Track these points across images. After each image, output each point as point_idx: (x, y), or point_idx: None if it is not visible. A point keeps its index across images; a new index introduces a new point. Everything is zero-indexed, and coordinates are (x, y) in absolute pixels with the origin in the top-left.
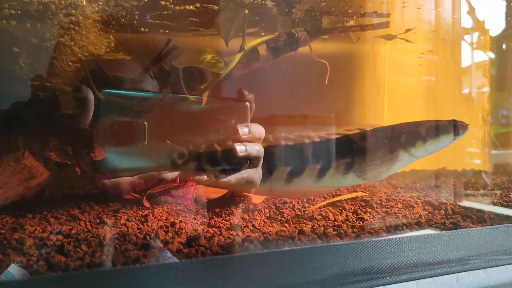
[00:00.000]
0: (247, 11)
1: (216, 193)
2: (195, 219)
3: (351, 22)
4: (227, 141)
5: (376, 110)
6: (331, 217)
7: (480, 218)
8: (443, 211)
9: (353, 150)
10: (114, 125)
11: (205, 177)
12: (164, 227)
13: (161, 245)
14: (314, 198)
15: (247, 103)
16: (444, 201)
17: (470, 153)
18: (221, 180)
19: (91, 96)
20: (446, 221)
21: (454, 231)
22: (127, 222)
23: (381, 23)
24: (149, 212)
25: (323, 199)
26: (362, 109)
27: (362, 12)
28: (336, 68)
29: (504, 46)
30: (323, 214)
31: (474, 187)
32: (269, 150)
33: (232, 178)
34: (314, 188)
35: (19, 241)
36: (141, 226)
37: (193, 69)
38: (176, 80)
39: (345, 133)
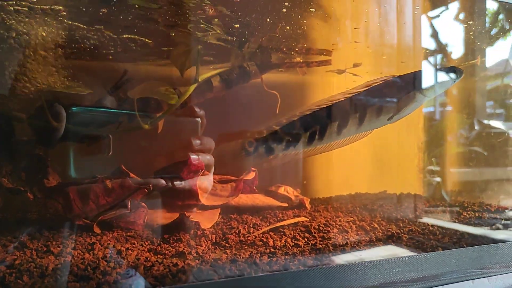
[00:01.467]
0: (200, 47)
1: (167, 218)
2: (142, 245)
3: (298, 59)
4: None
5: None
6: (271, 242)
7: (398, 242)
8: (373, 236)
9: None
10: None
11: (163, 182)
12: (107, 256)
13: (100, 276)
14: (259, 223)
15: (199, 119)
16: (376, 225)
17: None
18: (177, 186)
19: (63, 112)
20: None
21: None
22: (72, 250)
23: (324, 60)
24: (97, 240)
25: (267, 224)
26: None
27: (308, 50)
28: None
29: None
30: (264, 239)
31: (405, 211)
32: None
33: (186, 184)
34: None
35: None
36: (86, 255)
37: (149, 99)
38: (131, 109)
39: (370, 85)
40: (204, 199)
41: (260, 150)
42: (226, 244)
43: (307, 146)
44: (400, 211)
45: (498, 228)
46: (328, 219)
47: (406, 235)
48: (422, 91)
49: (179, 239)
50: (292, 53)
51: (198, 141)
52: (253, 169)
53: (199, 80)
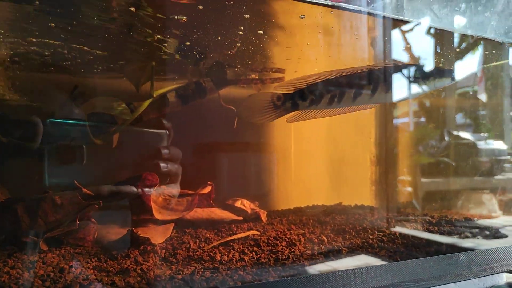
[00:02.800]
0: (154, 63)
1: (118, 234)
2: (88, 262)
3: (254, 75)
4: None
5: (286, 152)
6: (218, 257)
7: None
8: (319, 247)
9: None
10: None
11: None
12: (45, 275)
13: None
14: (211, 238)
15: (166, 131)
16: (324, 238)
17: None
18: (147, 194)
19: (41, 124)
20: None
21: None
22: (11, 270)
23: (277, 77)
24: (40, 258)
25: (219, 238)
26: (272, 150)
27: (262, 68)
28: None
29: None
30: (212, 254)
31: (354, 224)
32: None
33: (154, 192)
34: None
35: None
36: (24, 274)
37: (102, 114)
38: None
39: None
40: (158, 214)
41: (287, 104)
42: (174, 260)
43: (326, 107)
44: (350, 222)
45: (466, 237)
46: (279, 232)
47: (346, 248)
48: (424, 81)
49: (127, 255)
50: (248, 70)
51: (166, 151)
52: (209, 183)
53: (154, 96)
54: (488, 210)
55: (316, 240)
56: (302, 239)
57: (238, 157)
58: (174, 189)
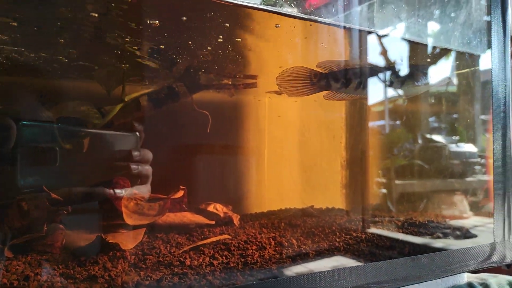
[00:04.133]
0: (128, 66)
1: (88, 240)
2: (55, 270)
3: (227, 81)
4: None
5: (259, 155)
6: (188, 262)
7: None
8: (288, 251)
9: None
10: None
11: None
12: (8, 284)
13: None
14: (183, 242)
15: (137, 133)
16: (294, 241)
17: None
18: (118, 198)
19: (14, 125)
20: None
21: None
22: None
23: (250, 83)
24: (4, 266)
25: (191, 243)
26: (246, 155)
27: (234, 75)
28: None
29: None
30: (182, 259)
31: (323, 226)
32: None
33: (126, 193)
34: None
35: None
36: None
37: (71, 118)
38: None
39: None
40: (129, 219)
41: (322, 82)
42: (143, 266)
43: (353, 92)
44: (320, 225)
45: (438, 237)
46: (250, 236)
47: (313, 252)
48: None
49: (95, 261)
50: (222, 76)
51: (137, 153)
52: (182, 187)
53: (126, 100)
54: (460, 211)
55: (285, 243)
56: (273, 243)
57: (211, 161)
58: (145, 190)
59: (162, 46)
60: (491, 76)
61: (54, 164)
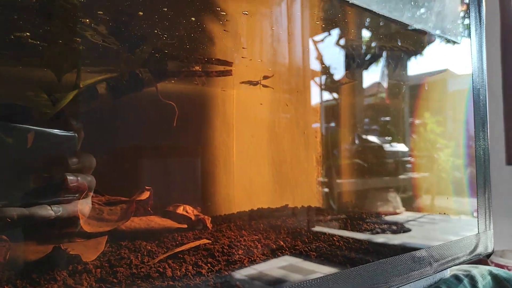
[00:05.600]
0: (82, 47)
1: (39, 252)
2: None
3: (197, 68)
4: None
5: (227, 151)
6: (169, 273)
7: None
8: (280, 254)
9: None
10: None
11: (52, 213)
12: None
13: None
14: (155, 250)
15: (74, 133)
16: (282, 243)
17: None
18: (56, 214)
19: None
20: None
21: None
22: None
23: (225, 70)
24: None
25: (165, 251)
26: (214, 150)
27: (206, 59)
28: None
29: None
30: (161, 270)
31: (307, 225)
32: None
33: (65, 211)
34: None
35: None
36: None
37: (15, 106)
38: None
39: None
40: (87, 226)
41: None
42: (115, 280)
43: None
44: (302, 224)
45: (377, 232)
46: (232, 239)
47: (314, 252)
48: None
49: (52, 278)
50: (191, 61)
51: (75, 159)
52: (147, 188)
53: (81, 86)
54: (393, 207)
55: (274, 245)
56: (259, 246)
57: (175, 159)
58: (84, 205)
59: (122, 27)
60: (472, 68)
61: None
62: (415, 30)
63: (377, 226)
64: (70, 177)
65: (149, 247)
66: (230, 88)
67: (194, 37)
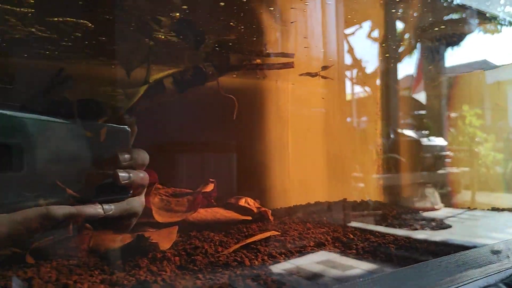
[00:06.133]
0: (152, 43)
1: (115, 241)
2: (92, 276)
3: (258, 61)
4: (108, 168)
5: (282, 145)
6: (247, 262)
7: (388, 256)
8: (354, 250)
9: None
10: None
11: (101, 212)
12: None
13: None
14: (226, 240)
15: (127, 127)
16: (351, 236)
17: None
18: (106, 213)
19: None
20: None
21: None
22: None
23: (286, 63)
24: (34, 273)
25: (235, 241)
26: (269, 143)
27: (268, 52)
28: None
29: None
30: (238, 259)
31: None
32: None
33: (117, 210)
34: None
35: None
36: None
37: (90, 101)
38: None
39: None
40: (158, 217)
41: None
42: (195, 268)
43: None
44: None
45: (415, 229)
46: (300, 231)
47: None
48: None
49: (136, 265)
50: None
51: (127, 156)
52: (211, 180)
53: (150, 81)
54: (431, 203)
55: (344, 238)
56: (329, 238)
57: (230, 153)
58: (138, 204)
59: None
60: None
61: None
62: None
63: (415, 222)
64: (122, 174)
65: (217, 238)
66: (285, 80)
67: (255, 30)
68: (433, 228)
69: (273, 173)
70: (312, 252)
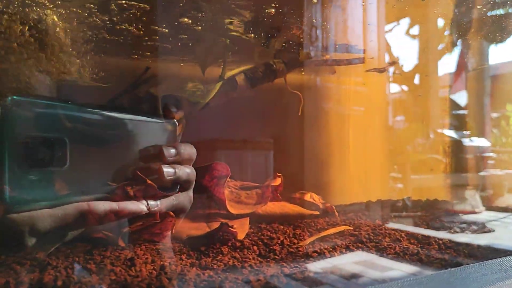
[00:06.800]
0: (228, 41)
1: (195, 229)
2: (181, 260)
3: (327, 56)
4: (154, 164)
5: (342, 142)
6: (327, 253)
7: (471, 253)
8: (437, 246)
9: None
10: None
11: (144, 208)
12: (154, 271)
13: None
14: (300, 233)
15: (175, 121)
16: (427, 234)
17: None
18: (152, 209)
19: None
20: (445, 257)
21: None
22: (114, 267)
23: (357, 58)
24: (134, 255)
25: (307, 234)
26: (329, 139)
27: (337, 46)
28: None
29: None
30: (318, 251)
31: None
32: None
33: (163, 205)
34: None
35: None
36: (130, 272)
37: (168, 97)
38: (150, 109)
39: None
40: (231, 208)
41: None
42: (276, 257)
43: None
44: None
45: (456, 232)
46: (374, 227)
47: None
48: None
49: (219, 251)
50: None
51: (173, 150)
52: (278, 174)
53: (224, 78)
54: (471, 206)
55: (419, 235)
56: (403, 235)
57: (290, 149)
58: (186, 200)
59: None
60: None
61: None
62: None
63: (454, 225)
64: (167, 169)
65: (287, 230)
66: (346, 76)
67: (325, 26)
68: (475, 232)
69: (332, 169)
70: (389, 247)
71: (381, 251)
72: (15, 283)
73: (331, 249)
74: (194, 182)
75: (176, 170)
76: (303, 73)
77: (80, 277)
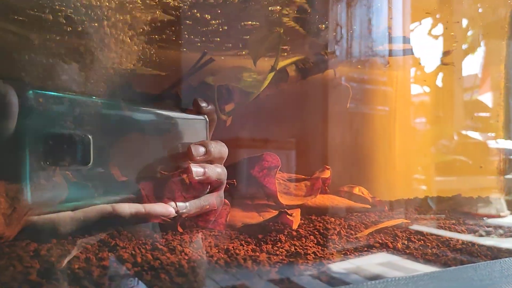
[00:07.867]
0: (282, 30)
1: (249, 217)
2: (242, 245)
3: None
4: (183, 163)
5: (388, 136)
6: (390, 244)
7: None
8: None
9: None
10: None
11: (172, 211)
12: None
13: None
14: (355, 225)
15: (205, 117)
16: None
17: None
18: (180, 211)
19: (14, 99)
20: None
21: None
22: (183, 248)
23: (407, 49)
24: (197, 238)
25: (363, 226)
26: (374, 134)
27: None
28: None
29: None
30: (380, 241)
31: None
32: None
33: (192, 207)
34: None
35: None
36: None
37: (221, 88)
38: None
39: None
40: (282, 199)
41: None
42: (337, 246)
43: None
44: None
45: (481, 235)
46: (428, 222)
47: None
48: None
49: (277, 239)
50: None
51: (202, 149)
52: (327, 167)
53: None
54: (496, 209)
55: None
56: (464, 229)
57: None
58: (218, 201)
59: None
60: None
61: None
62: None
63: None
64: (195, 169)
65: (341, 222)
66: (392, 69)
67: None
68: (501, 236)
69: (377, 165)
70: (451, 240)
71: (442, 243)
72: (96, 258)
73: (392, 240)
74: (225, 182)
75: (206, 169)
76: (358, 66)
77: (156, 256)
